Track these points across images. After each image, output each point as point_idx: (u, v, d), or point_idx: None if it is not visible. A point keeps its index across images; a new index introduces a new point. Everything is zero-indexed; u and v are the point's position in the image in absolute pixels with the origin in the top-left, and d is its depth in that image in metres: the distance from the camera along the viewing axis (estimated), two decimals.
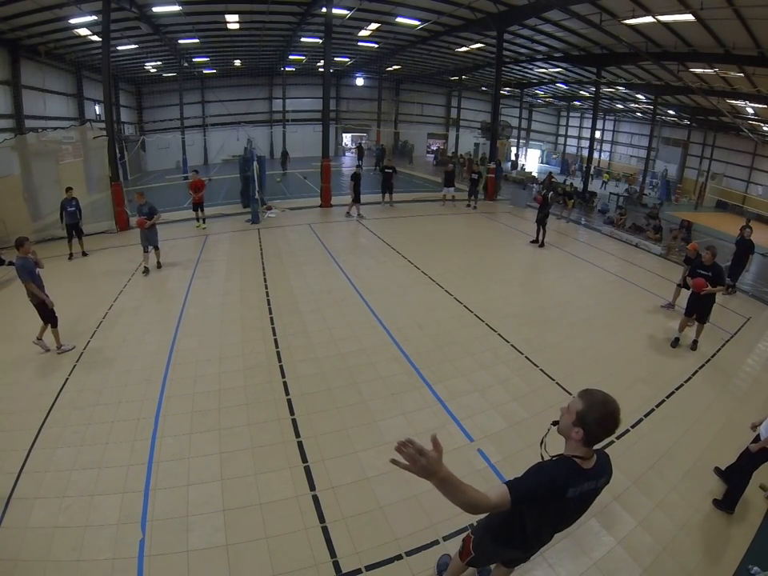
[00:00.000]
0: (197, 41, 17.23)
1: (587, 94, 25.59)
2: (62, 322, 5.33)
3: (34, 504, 3.17)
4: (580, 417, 1.70)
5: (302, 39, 18.24)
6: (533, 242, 10.57)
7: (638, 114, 28.11)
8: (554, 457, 1.81)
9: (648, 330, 6.52)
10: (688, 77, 15.00)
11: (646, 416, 4.45)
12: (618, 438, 4.09)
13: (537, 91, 29.13)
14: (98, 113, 19.05)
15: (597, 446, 1.80)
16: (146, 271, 7.91)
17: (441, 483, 1.50)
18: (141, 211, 7.90)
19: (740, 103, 16.99)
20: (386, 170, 13.50)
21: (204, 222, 11.14)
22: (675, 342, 6.07)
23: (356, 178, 12.07)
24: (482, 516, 2.22)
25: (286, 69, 25.51)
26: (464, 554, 2.33)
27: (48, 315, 5.24)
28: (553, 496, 1.73)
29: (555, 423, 1.88)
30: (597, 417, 1.66)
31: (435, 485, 1.50)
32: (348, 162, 24.12)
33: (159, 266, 8.25)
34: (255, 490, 3.33)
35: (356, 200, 12.20)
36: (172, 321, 6.06)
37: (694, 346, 6.02)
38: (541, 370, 5.18)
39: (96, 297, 6.85)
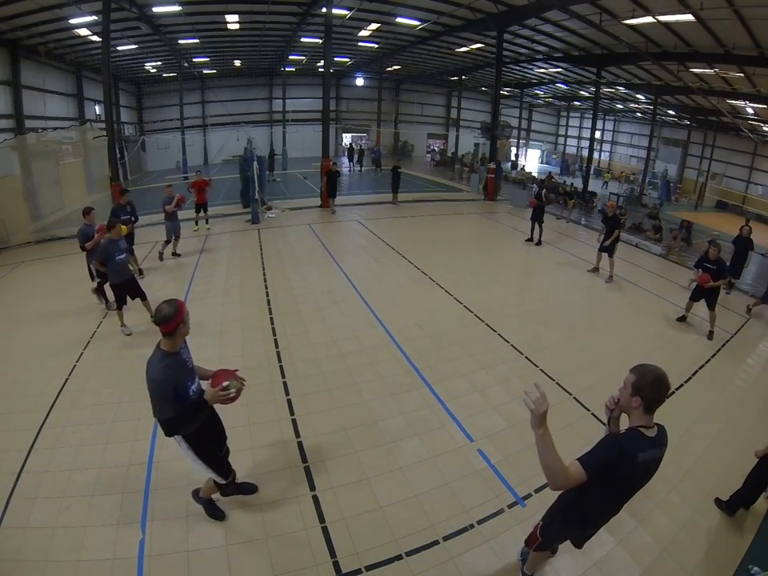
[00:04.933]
0: (197, 41, 17.24)
1: (587, 94, 25.60)
2: (61, 323, 5.32)
3: (34, 504, 3.17)
4: (636, 386, 1.91)
5: (302, 39, 18.26)
6: (528, 240, 10.59)
7: (638, 114, 28.13)
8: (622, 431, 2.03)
9: (648, 330, 6.51)
10: (688, 77, 15.01)
11: None
12: None
13: (537, 91, 29.14)
14: (97, 113, 19.06)
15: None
16: (177, 255, 8.82)
17: (542, 436, 1.78)
18: (167, 203, 8.30)
19: (740, 103, 17.00)
20: (398, 170, 13.89)
21: (207, 223, 11.10)
22: (682, 318, 6.72)
23: (330, 175, 12.69)
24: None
25: (286, 69, 25.51)
26: (531, 540, 2.53)
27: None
28: (624, 461, 1.89)
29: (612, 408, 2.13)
30: (649, 381, 1.89)
31: (539, 436, 1.79)
32: (347, 162, 24.11)
33: (177, 255, 8.87)
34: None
35: (331, 195, 12.90)
36: None
37: (710, 336, 6.33)
38: (541, 370, 5.17)
39: (95, 298, 6.84)
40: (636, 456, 1.90)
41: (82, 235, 6.08)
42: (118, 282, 5.57)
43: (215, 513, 3.10)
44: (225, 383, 2.59)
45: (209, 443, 2.81)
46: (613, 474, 1.90)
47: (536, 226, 10.36)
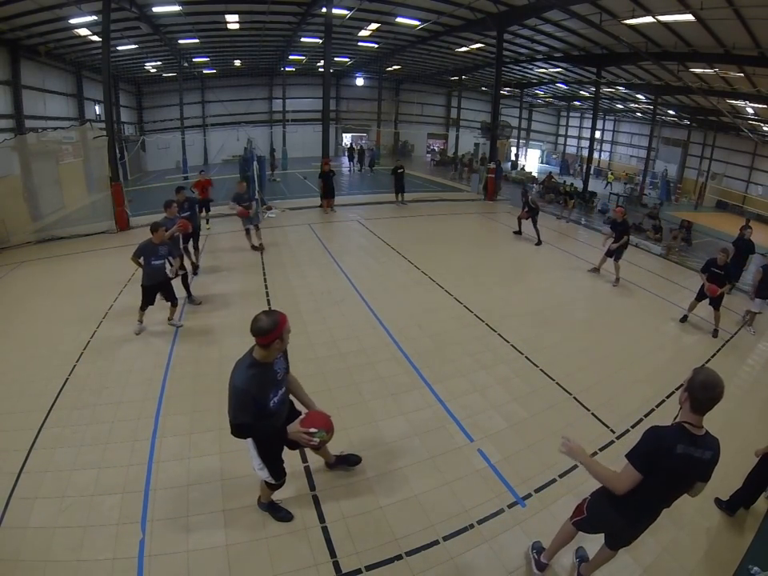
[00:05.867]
0: (197, 41, 17.25)
1: (587, 94, 25.60)
2: (61, 323, 5.30)
3: (34, 504, 3.17)
4: (688, 383, 2.06)
5: (302, 39, 18.26)
6: (515, 232, 11.06)
7: (638, 113, 28.13)
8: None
9: (648, 330, 6.52)
10: (688, 77, 15.01)
11: (646, 416, 4.45)
12: (618, 438, 4.10)
13: (537, 91, 29.13)
14: (97, 113, 19.06)
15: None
16: (259, 248, 9.05)
17: (587, 465, 2.21)
18: (242, 199, 8.36)
19: (740, 103, 17.00)
20: (399, 171, 13.71)
21: (208, 223, 11.11)
22: (684, 318, 6.77)
23: (324, 176, 12.60)
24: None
25: (286, 69, 25.50)
26: (576, 512, 2.57)
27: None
28: (663, 451, 2.03)
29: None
30: (699, 381, 2.00)
31: (584, 466, 2.23)
32: (347, 162, 24.10)
33: (261, 247, 9.10)
34: (255, 490, 3.32)
35: (329, 196, 12.88)
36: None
37: (715, 334, 6.43)
38: (541, 370, 5.17)
39: (95, 298, 6.84)
40: (675, 447, 2.01)
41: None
42: (148, 284, 5.48)
43: (281, 515, 3.10)
44: (313, 430, 2.59)
45: (274, 445, 2.80)
46: (653, 463, 2.04)
47: (530, 223, 10.54)
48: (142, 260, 5.35)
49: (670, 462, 2.03)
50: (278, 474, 2.86)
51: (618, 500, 2.24)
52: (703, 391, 1.98)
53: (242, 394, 2.42)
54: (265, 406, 2.54)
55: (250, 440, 2.68)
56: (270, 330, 2.46)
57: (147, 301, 5.57)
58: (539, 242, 10.41)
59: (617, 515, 2.33)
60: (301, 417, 2.68)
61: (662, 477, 2.08)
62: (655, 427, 2.14)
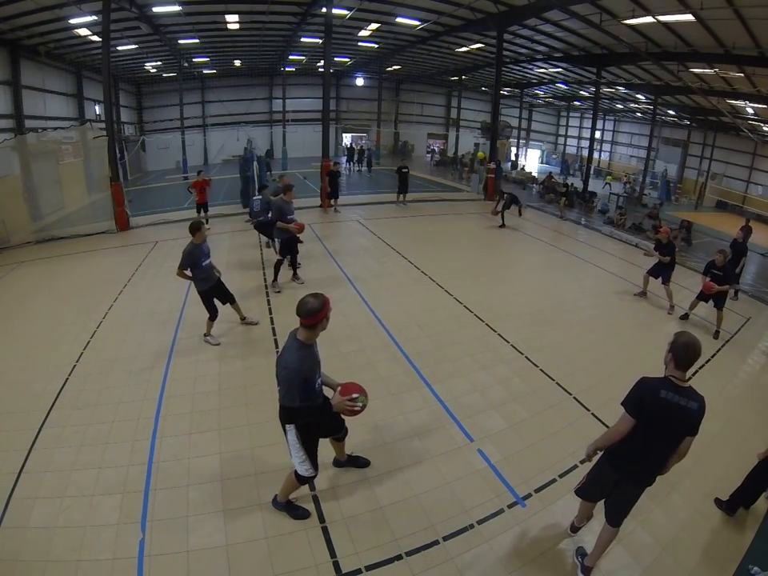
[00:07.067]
0: (197, 41, 17.26)
1: (587, 94, 25.61)
2: (61, 323, 5.30)
3: (34, 504, 3.17)
4: (671, 344, 2.39)
5: (302, 39, 18.27)
6: (500, 226, 11.84)
7: (638, 114, 28.13)
8: None
9: (648, 329, 6.52)
10: (688, 77, 15.01)
11: None
12: None
13: (537, 91, 29.14)
14: (97, 113, 19.06)
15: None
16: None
17: (601, 444, 2.54)
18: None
19: (740, 103, 17.00)
20: (403, 171, 13.67)
21: (207, 223, 11.12)
22: (685, 316, 6.88)
23: (332, 175, 12.69)
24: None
25: (286, 69, 25.52)
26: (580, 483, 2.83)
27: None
28: (649, 396, 2.34)
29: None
30: (681, 342, 2.35)
31: (599, 446, 2.57)
32: (347, 163, 24.08)
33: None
34: (255, 490, 3.33)
35: (333, 196, 12.94)
36: (172, 321, 6.05)
37: (716, 335, 6.40)
38: (541, 370, 5.18)
39: (95, 298, 6.84)
40: (658, 391, 2.32)
41: (278, 210, 6.70)
42: (205, 288, 5.18)
43: (298, 513, 3.11)
44: (354, 395, 2.72)
45: (316, 431, 2.89)
46: (642, 408, 2.34)
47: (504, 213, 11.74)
48: (189, 271, 5.04)
49: (654, 405, 2.32)
50: (315, 464, 2.92)
51: (611, 454, 2.57)
52: (685, 351, 2.32)
53: (295, 374, 2.53)
54: (312, 388, 2.66)
55: (292, 431, 2.74)
56: (319, 310, 2.55)
57: (211, 307, 5.27)
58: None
59: (610, 468, 2.59)
60: (338, 389, 2.81)
61: (649, 420, 2.35)
62: (643, 377, 2.46)
